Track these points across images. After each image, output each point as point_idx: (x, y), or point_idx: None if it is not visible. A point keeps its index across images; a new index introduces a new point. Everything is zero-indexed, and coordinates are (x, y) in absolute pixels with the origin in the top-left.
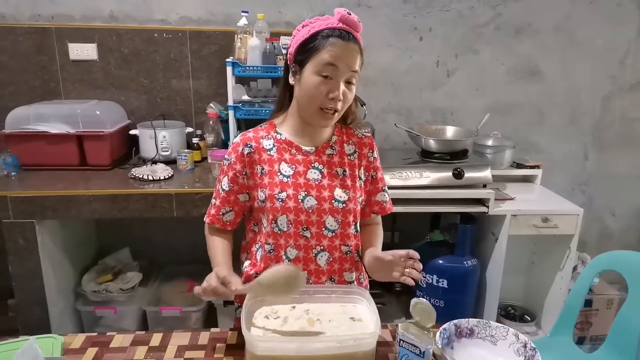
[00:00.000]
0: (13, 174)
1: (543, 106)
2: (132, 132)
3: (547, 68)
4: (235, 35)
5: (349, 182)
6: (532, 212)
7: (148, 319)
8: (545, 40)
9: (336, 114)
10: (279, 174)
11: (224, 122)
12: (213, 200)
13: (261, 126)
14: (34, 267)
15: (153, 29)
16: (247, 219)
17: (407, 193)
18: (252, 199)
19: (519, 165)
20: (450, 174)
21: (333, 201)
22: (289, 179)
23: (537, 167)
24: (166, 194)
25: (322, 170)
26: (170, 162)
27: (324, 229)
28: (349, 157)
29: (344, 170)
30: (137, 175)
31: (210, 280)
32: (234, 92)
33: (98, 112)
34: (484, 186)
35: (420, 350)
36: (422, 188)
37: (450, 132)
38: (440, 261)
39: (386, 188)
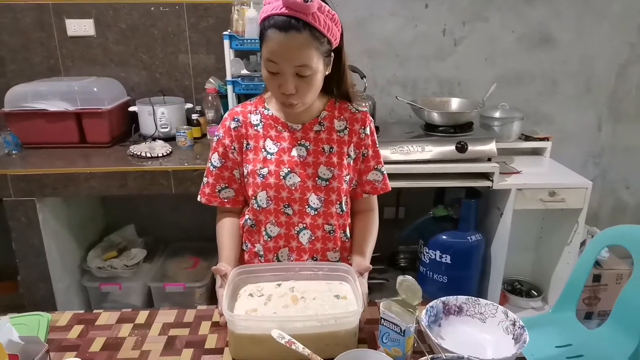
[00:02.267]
0: (14, 152)
1: (556, 75)
2: (131, 108)
3: (561, 35)
4: (233, 7)
5: (335, 159)
6: (538, 186)
7: (153, 295)
8: (558, 5)
9: (299, 105)
10: (263, 150)
11: (224, 97)
12: (205, 179)
13: (251, 100)
14: (36, 245)
15: (150, 3)
16: None
17: (408, 168)
18: (241, 174)
19: (528, 138)
20: (453, 147)
21: (316, 179)
22: (272, 156)
23: (547, 139)
24: (163, 171)
25: (308, 147)
26: (170, 138)
27: (306, 206)
28: (338, 134)
29: (331, 147)
30: (135, 152)
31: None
32: (232, 66)
33: (95, 89)
34: (489, 160)
35: (400, 329)
36: (424, 162)
37: (455, 104)
38: (444, 236)
39: (381, 167)
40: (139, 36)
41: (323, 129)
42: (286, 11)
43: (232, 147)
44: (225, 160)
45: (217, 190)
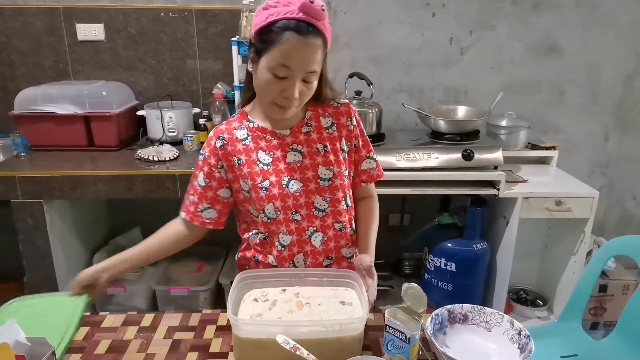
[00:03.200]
0: (22, 154)
1: (562, 85)
2: (139, 112)
3: (567, 44)
4: (241, 14)
5: (331, 157)
6: (545, 195)
7: (157, 298)
8: (565, 14)
9: (293, 109)
10: (258, 162)
11: (231, 102)
12: (191, 197)
13: (233, 117)
14: (43, 247)
15: (159, 8)
16: (236, 213)
17: (414, 175)
18: (237, 191)
19: (534, 147)
20: (459, 155)
21: (318, 180)
22: (269, 167)
23: (553, 148)
24: (170, 175)
25: (302, 150)
26: (177, 143)
27: (314, 209)
28: (327, 131)
29: (325, 146)
30: (142, 156)
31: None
32: (240, 72)
33: (104, 93)
34: (495, 168)
35: (406, 336)
36: (430, 170)
37: (461, 112)
38: (449, 244)
39: (373, 154)
40: (147, 41)
41: (312, 129)
42: (303, 16)
43: (219, 166)
44: (210, 180)
45: (199, 210)
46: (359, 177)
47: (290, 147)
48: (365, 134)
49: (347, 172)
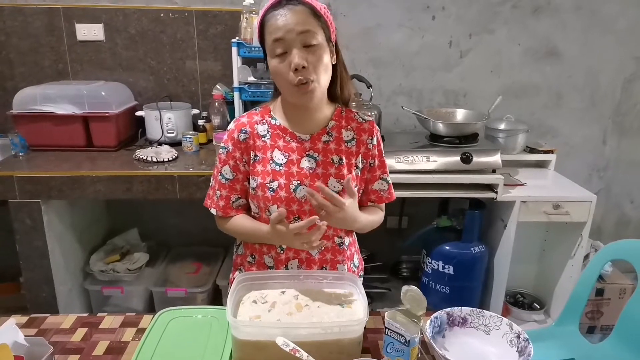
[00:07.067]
0: (21, 154)
1: (561, 89)
2: (138, 113)
3: (566, 49)
4: (241, 15)
5: (344, 171)
6: (542, 199)
7: (154, 300)
8: (564, 19)
9: (314, 84)
10: (271, 162)
11: (230, 103)
12: (218, 192)
13: (256, 110)
14: (40, 247)
15: (159, 9)
16: None
17: (413, 177)
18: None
19: (532, 150)
20: (458, 158)
21: None
22: (281, 168)
23: (551, 152)
24: (169, 175)
25: (317, 158)
26: (176, 143)
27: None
28: (346, 144)
29: (340, 159)
30: (141, 157)
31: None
32: (239, 73)
33: (103, 93)
34: (494, 171)
35: (405, 339)
36: (429, 172)
37: (460, 115)
38: (447, 247)
39: (386, 177)
40: (147, 42)
41: (331, 140)
42: None
43: (243, 160)
44: (237, 173)
45: (232, 202)
46: (367, 196)
47: (307, 152)
48: (384, 155)
49: (356, 188)
